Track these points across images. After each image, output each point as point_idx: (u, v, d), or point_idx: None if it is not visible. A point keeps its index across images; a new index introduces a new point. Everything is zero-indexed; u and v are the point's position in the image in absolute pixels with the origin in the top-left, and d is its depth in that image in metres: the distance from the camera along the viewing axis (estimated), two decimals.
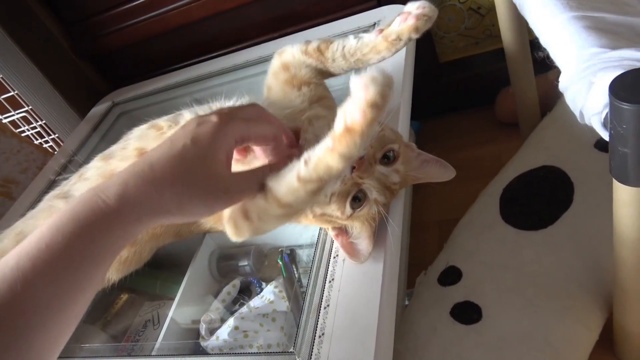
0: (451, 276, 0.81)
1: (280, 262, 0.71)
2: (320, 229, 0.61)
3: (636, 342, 0.72)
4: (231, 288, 0.73)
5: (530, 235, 0.81)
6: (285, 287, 0.68)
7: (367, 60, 0.55)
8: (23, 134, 1.30)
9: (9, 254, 0.37)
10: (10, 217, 0.89)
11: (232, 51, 1.09)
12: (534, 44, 0.59)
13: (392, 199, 0.54)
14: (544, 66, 0.57)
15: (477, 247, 0.84)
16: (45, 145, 1.34)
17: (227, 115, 0.45)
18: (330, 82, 0.90)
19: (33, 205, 0.79)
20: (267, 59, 0.64)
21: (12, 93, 1.21)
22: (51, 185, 0.92)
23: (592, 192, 0.82)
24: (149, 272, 0.75)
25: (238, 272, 0.77)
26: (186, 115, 0.59)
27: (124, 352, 0.73)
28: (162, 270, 0.82)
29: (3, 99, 1.22)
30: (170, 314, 0.68)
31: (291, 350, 0.51)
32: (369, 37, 0.54)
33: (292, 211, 0.46)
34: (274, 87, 0.61)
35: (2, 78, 1.18)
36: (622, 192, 0.51)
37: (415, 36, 0.51)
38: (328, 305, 0.53)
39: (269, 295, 0.67)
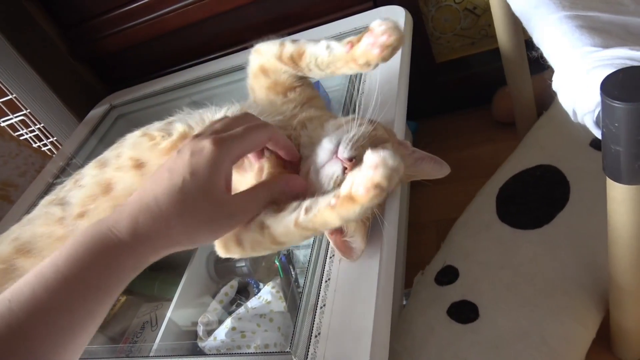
0: (448, 275, 0.81)
1: (278, 263, 0.71)
2: None
3: (633, 340, 0.73)
4: (229, 289, 0.73)
5: (527, 234, 0.81)
6: (282, 287, 0.69)
7: (342, 73, 0.54)
8: (21, 137, 1.30)
9: (20, 282, 0.39)
10: (9, 220, 0.89)
11: (230, 53, 1.09)
12: (529, 44, 0.59)
13: (386, 197, 0.54)
14: (540, 66, 0.57)
15: (474, 247, 0.84)
16: (43, 149, 1.33)
17: (220, 140, 0.45)
18: (328, 83, 0.90)
19: (30, 208, 0.79)
20: None
21: (10, 96, 1.21)
22: (49, 188, 0.92)
23: (588, 190, 0.82)
24: (146, 273, 0.73)
25: (235, 273, 0.77)
26: (177, 126, 0.58)
27: (122, 353, 0.73)
28: (160, 272, 0.82)
29: (1, 102, 1.22)
30: (168, 315, 0.68)
31: (287, 350, 0.51)
32: (339, 50, 0.52)
33: (284, 247, 0.50)
34: (257, 91, 0.61)
35: (0, 82, 1.18)
36: (615, 190, 0.51)
37: (385, 61, 0.50)
38: (324, 305, 0.53)
39: (266, 295, 0.68)
